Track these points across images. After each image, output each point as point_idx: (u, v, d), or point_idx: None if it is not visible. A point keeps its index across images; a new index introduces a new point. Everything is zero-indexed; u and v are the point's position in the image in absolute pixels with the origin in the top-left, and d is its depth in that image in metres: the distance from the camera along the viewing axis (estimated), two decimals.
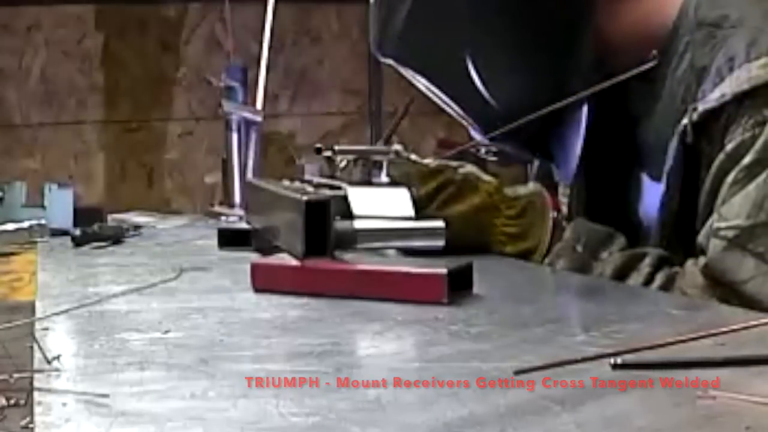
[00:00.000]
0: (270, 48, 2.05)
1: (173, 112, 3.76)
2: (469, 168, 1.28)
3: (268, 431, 0.57)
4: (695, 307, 0.97)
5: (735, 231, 1.08)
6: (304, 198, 1.00)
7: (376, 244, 1.05)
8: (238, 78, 1.98)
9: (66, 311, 0.90)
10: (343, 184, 1.14)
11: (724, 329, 0.75)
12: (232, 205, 1.88)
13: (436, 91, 1.29)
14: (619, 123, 1.29)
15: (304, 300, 0.95)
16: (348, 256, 1.02)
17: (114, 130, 3.71)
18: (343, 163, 1.21)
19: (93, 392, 0.62)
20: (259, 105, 1.97)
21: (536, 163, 1.47)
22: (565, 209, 1.34)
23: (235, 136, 1.91)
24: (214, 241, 1.29)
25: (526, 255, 1.24)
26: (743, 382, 0.63)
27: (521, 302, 0.98)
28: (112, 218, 1.75)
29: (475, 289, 0.97)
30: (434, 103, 1.32)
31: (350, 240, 1.03)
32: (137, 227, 1.61)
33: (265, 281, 1.01)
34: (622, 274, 1.15)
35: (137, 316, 0.91)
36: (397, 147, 1.20)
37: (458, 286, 0.94)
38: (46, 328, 0.84)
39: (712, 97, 1.11)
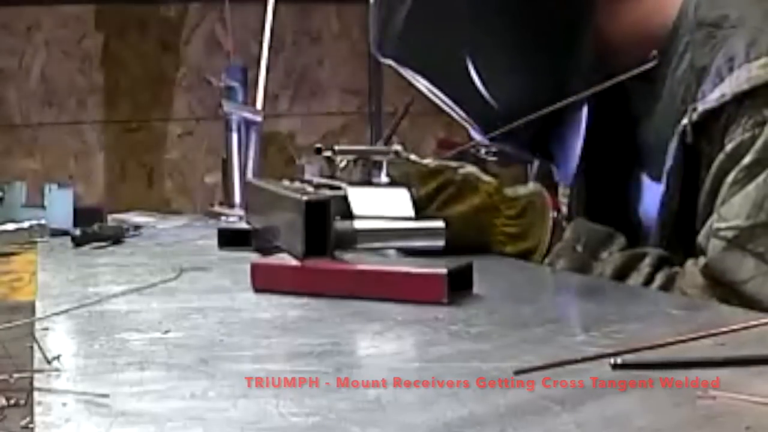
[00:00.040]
0: (270, 48, 2.05)
1: (173, 112, 3.75)
2: (469, 168, 1.28)
3: (268, 431, 0.57)
4: (695, 307, 0.97)
5: (735, 231, 1.08)
6: (304, 198, 1.00)
7: (376, 244, 1.05)
8: (238, 78, 1.98)
9: (66, 311, 0.90)
10: (343, 184, 1.14)
11: (724, 329, 0.75)
12: (232, 205, 1.88)
13: (436, 91, 1.29)
14: (619, 123, 1.29)
15: (304, 300, 0.95)
16: (348, 256, 1.02)
17: (114, 130, 3.71)
18: (343, 163, 1.21)
19: (93, 392, 0.62)
20: (259, 105, 1.97)
21: (536, 163, 1.47)
22: (565, 209, 1.34)
23: (235, 136, 1.92)
24: (214, 241, 1.29)
25: (526, 255, 1.24)
26: (743, 382, 0.63)
27: (521, 302, 0.98)
28: (112, 218, 1.75)
29: (475, 289, 0.97)
30: (434, 103, 1.32)
31: (350, 240, 1.03)
32: (137, 227, 1.61)
33: (265, 281, 1.01)
34: (622, 274, 1.15)
35: (137, 316, 0.91)
36: (396, 147, 1.20)
37: (458, 286, 0.94)
38: (46, 328, 0.84)
39: (712, 97, 1.11)
